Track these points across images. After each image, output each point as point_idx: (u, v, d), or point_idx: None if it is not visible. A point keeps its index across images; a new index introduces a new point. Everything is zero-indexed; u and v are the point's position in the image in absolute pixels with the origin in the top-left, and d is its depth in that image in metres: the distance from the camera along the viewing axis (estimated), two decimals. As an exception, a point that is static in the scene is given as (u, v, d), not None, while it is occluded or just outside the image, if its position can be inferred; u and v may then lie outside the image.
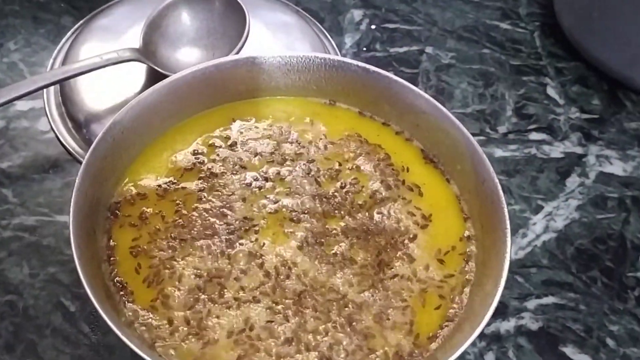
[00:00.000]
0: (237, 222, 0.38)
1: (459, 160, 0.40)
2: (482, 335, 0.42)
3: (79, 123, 0.48)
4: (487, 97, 0.55)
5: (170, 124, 0.41)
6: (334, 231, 0.38)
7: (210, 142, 0.41)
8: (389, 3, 0.61)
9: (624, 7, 0.56)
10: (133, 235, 0.37)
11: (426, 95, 0.41)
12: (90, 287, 0.32)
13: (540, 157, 0.52)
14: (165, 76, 0.42)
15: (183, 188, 0.39)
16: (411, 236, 0.38)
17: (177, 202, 0.38)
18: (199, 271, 0.36)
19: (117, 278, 0.36)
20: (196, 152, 0.41)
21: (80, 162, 0.38)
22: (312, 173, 0.40)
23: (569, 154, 0.52)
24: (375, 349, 0.34)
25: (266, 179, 0.40)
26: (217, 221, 0.38)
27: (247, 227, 0.38)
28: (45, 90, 0.49)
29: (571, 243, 0.47)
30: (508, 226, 0.36)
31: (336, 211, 0.39)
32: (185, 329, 0.34)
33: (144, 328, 0.34)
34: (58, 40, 0.54)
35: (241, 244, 0.37)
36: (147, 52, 0.48)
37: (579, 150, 0.52)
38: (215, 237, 0.37)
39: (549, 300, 0.44)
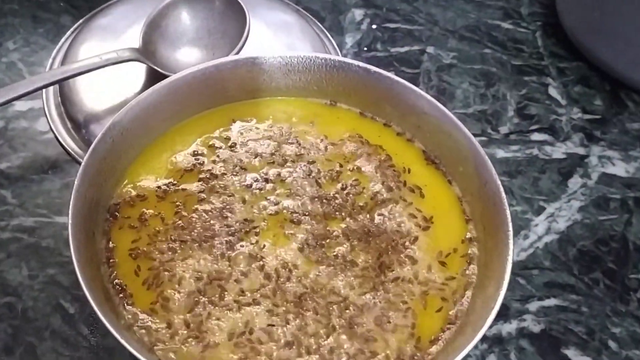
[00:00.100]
0: (238, 223, 0.38)
1: (461, 161, 0.40)
2: (483, 338, 0.42)
3: (78, 123, 0.48)
4: (488, 98, 0.55)
5: (170, 125, 0.41)
6: (335, 233, 0.38)
7: (210, 143, 0.41)
8: (390, 2, 0.60)
9: (626, 7, 0.56)
10: (132, 237, 0.37)
11: (428, 97, 0.40)
12: (89, 289, 0.32)
13: (542, 158, 0.51)
14: (165, 76, 0.41)
15: (183, 189, 0.39)
16: (412, 238, 0.38)
17: (177, 203, 0.38)
18: (199, 273, 0.36)
19: (116, 280, 0.35)
20: (196, 153, 0.41)
21: (80, 163, 0.37)
22: (313, 174, 0.40)
23: (571, 155, 0.52)
24: (377, 352, 0.34)
25: (267, 180, 0.40)
26: (217, 223, 0.38)
27: (248, 229, 0.38)
28: (44, 90, 0.49)
29: (573, 244, 0.47)
30: (510, 228, 0.35)
31: (337, 213, 0.39)
32: (185, 332, 0.34)
33: (143, 331, 0.34)
34: (57, 39, 0.54)
35: (241, 246, 0.37)
36: (146, 52, 0.48)
37: (581, 151, 0.52)
38: (216, 239, 0.37)
39: (551, 302, 0.44)
